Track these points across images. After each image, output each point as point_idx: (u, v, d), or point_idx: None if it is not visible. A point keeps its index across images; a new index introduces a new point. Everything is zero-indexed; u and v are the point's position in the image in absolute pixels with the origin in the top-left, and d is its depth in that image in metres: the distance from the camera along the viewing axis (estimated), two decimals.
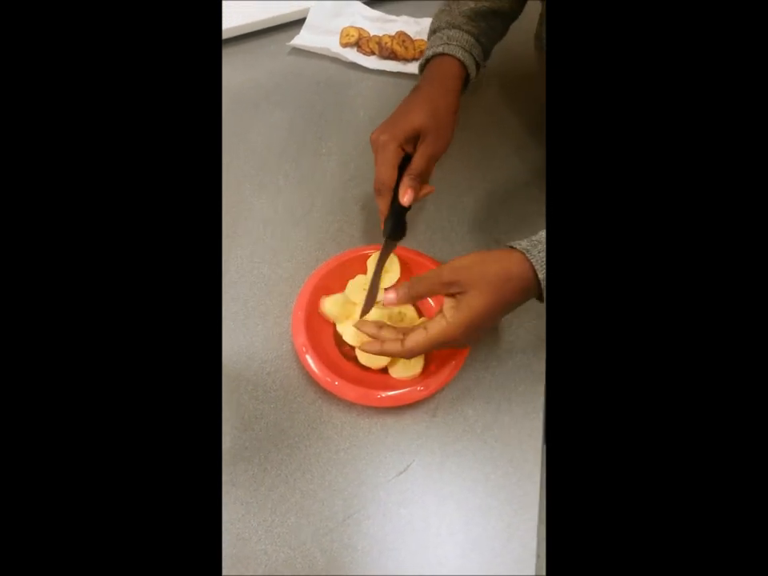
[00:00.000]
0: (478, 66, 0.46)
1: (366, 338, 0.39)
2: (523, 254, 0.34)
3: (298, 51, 0.64)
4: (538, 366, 0.41)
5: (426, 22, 0.65)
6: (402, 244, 0.47)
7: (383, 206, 0.41)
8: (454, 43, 0.44)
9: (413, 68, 0.61)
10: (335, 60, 0.63)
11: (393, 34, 0.62)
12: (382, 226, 0.42)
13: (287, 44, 0.63)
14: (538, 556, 0.34)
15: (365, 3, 0.67)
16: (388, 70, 0.61)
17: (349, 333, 0.41)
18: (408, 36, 0.62)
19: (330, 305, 0.42)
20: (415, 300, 0.38)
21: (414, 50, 0.62)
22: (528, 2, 0.50)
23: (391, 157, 0.40)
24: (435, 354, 0.41)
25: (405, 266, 0.44)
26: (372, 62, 0.62)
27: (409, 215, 0.50)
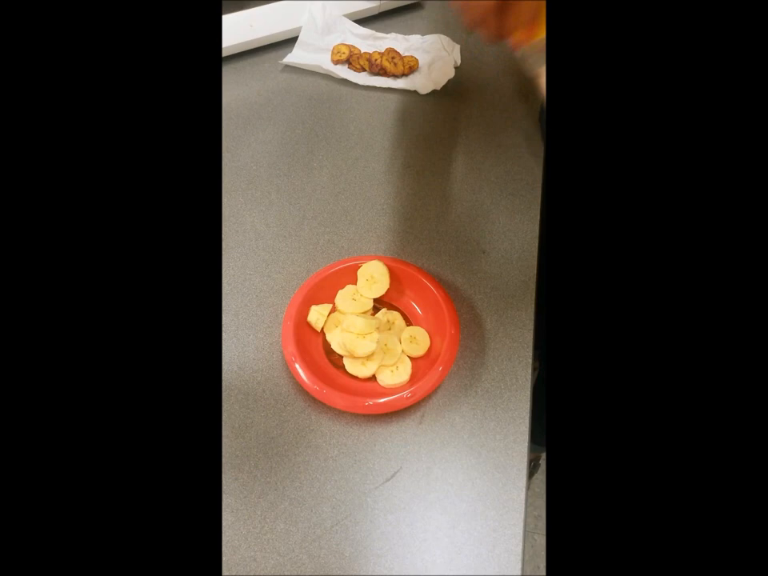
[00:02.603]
0: None
1: (352, 347, 0.40)
2: None
3: (291, 68, 0.65)
4: (523, 374, 0.42)
5: (414, 39, 0.67)
6: (391, 254, 0.48)
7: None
8: None
9: (402, 83, 0.63)
10: (327, 76, 0.64)
11: (382, 50, 0.64)
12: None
13: (280, 62, 0.64)
14: (524, 559, 0.35)
15: (355, 21, 0.69)
16: (378, 85, 0.63)
17: (337, 342, 0.41)
18: (397, 53, 0.64)
19: (316, 314, 0.42)
20: None
21: (404, 65, 0.63)
22: None
23: None
24: (422, 363, 0.42)
25: (393, 276, 0.45)
26: (362, 78, 0.63)
27: (397, 225, 0.51)
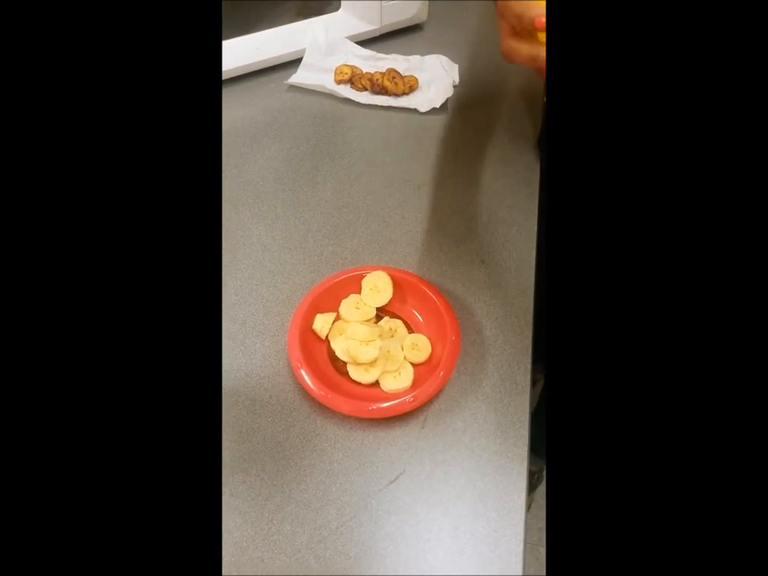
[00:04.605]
0: None
1: (356, 354, 0.41)
2: None
3: (295, 88, 0.68)
4: (522, 379, 0.43)
5: (414, 59, 0.70)
6: (392, 264, 0.50)
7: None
8: None
9: (403, 102, 0.65)
10: (330, 96, 0.67)
11: (383, 70, 0.67)
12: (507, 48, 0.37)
13: (285, 82, 0.67)
14: (524, 559, 0.36)
15: (357, 43, 0.71)
16: (379, 104, 0.65)
17: (341, 349, 0.43)
18: (398, 72, 0.66)
19: (321, 322, 0.44)
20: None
21: (404, 85, 0.66)
22: None
23: None
24: (423, 369, 0.43)
25: (395, 285, 0.46)
26: (364, 98, 0.66)
27: (399, 237, 0.52)
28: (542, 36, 0.35)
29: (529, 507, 1.06)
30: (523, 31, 0.36)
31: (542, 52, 0.35)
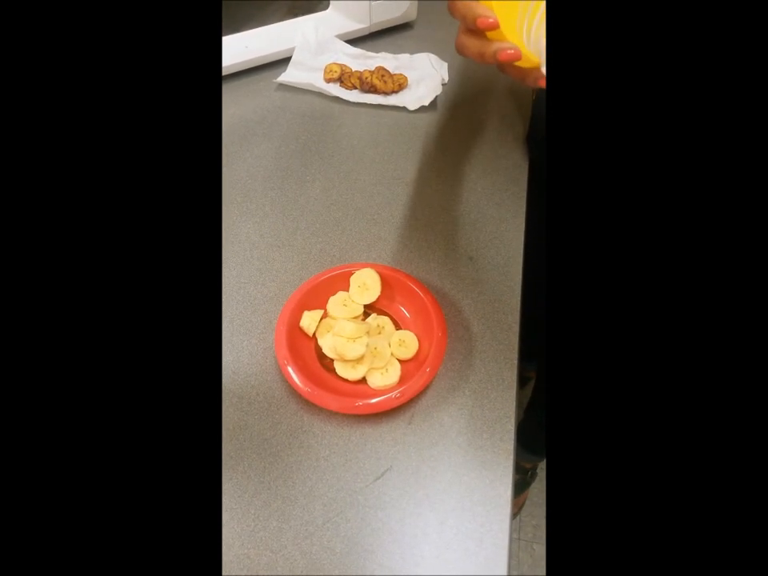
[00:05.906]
0: None
1: (343, 350, 0.42)
2: None
3: (285, 87, 0.68)
4: (509, 375, 0.43)
5: (403, 58, 0.70)
6: (380, 262, 0.50)
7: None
8: None
9: (392, 100, 0.65)
10: (319, 94, 0.67)
11: (373, 69, 0.67)
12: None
13: (274, 80, 0.67)
14: (510, 555, 0.36)
15: (346, 42, 0.71)
16: (368, 102, 0.65)
17: (328, 346, 0.43)
18: (387, 71, 0.66)
19: (309, 319, 0.44)
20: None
21: (393, 83, 0.66)
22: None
23: None
24: (411, 365, 0.43)
25: (383, 282, 0.46)
26: (354, 96, 0.66)
27: (387, 234, 0.53)
28: (491, 34, 0.35)
29: (523, 504, 1.07)
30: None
31: (489, 48, 0.35)
